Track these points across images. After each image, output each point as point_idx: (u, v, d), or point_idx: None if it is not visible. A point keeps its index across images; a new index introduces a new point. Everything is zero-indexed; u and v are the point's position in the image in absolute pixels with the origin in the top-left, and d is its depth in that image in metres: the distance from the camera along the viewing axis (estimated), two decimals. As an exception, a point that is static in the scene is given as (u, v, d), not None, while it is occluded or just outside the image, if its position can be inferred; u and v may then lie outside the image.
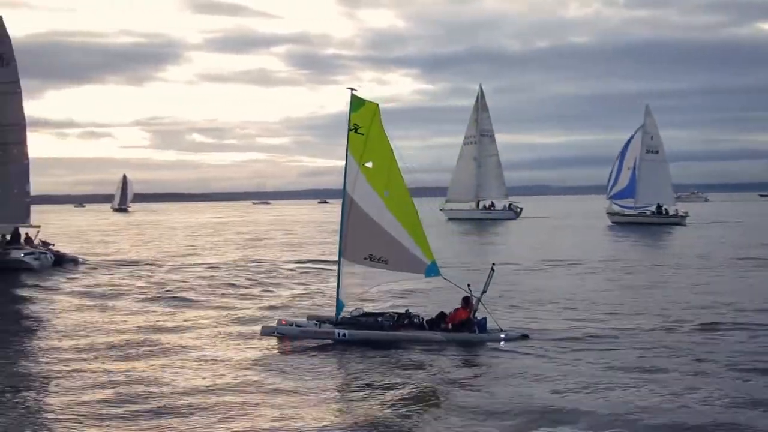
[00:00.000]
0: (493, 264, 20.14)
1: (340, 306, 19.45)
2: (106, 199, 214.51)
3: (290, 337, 18.93)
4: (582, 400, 13.83)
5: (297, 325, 19.39)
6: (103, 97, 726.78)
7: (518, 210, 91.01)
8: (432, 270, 19.41)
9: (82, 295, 29.81)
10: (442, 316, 19.39)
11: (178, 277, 35.10)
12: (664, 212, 74.99)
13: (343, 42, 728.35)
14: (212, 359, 17.44)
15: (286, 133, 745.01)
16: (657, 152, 75.80)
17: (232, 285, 32.05)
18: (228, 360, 17.53)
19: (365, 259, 19.50)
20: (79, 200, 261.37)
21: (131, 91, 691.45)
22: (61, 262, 40.07)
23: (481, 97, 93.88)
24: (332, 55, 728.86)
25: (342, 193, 19.76)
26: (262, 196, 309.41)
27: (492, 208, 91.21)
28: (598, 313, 23.23)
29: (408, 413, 13.42)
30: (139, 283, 33.00)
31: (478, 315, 19.10)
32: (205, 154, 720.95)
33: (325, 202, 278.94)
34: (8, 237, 40.09)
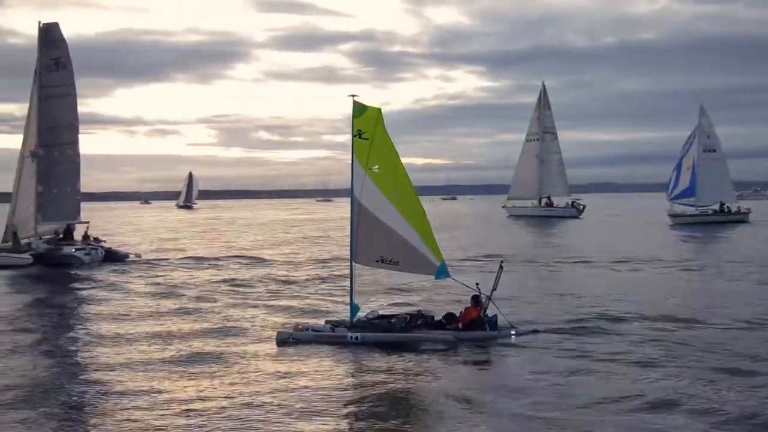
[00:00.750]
0: (502, 262, 20.36)
1: (354, 309, 19.68)
2: (173, 196, 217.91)
3: (305, 342, 19.18)
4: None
5: (313, 330, 19.57)
6: (171, 95, 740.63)
7: (581, 207, 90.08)
8: (442, 271, 19.51)
9: (123, 289, 31.05)
10: (451, 316, 19.65)
11: (221, 274, 35.78)
12: (726, 210, 73.97)
13: (408, 39, 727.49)
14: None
15: (350, 131, 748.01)
16: (714, 150, 74.58)
17: (284, 282, 32.12)
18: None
19: (377, 261, 19.77)
20: (146, 197, 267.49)
21: (198, 89, 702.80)
22: (112, 257, 41.39)
23: (543, 94, 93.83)
24: (398, 52, 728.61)
25: (351, 199, 19.88)
26: (327, 194, 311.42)
27: (551, 205, 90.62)
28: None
29: (417, 413, 13.85)
30: (184, 278, 33.96)
31: (489, 312, 19.34)
32: (270, 152, 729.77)
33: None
34: (62, 233, 41.60)
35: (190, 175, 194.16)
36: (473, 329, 19.05)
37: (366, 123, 19.43)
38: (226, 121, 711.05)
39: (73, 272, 36.83)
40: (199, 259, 42.90)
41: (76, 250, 40.32)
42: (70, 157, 42.08)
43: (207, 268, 38.45)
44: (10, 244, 41.10)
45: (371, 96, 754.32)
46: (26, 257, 39.25)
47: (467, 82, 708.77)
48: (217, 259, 43.07)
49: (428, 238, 19.31)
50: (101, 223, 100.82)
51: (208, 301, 27.17)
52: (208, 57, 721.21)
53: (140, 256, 42.81)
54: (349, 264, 20.30)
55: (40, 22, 42.30)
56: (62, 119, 41.75)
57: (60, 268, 38.03)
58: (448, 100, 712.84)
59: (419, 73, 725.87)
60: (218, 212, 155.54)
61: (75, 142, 42.23)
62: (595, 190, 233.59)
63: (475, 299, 19.48)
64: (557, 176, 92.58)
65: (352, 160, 19.66)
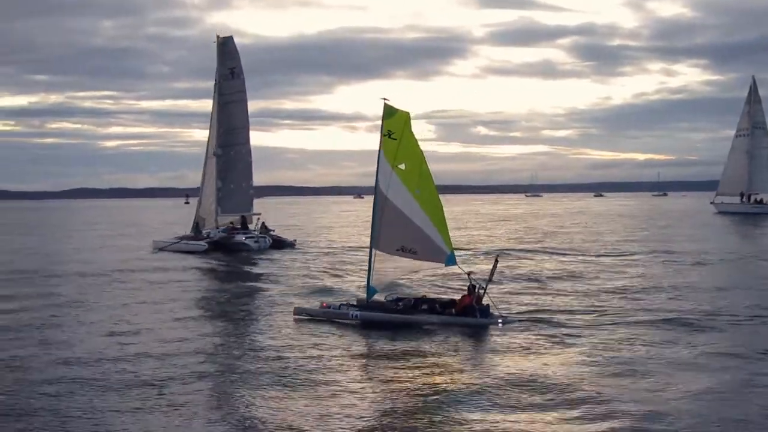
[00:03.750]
0: (497, 256, 22.01)
1: (370, 291, 21.52)
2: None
3: (316, 317, 21.67)
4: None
5: (333, 307, 21.83)
6: (391, 92, 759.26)
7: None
8: (451, 260, 21.05)
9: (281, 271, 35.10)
10: (452, 302, 21.24)
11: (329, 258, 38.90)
12: None
13: (629, 32, 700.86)
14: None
15: (571, 126, 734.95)
16: None
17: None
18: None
19: (398, 250, 21.33)
20: (360, 192, 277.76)
21: (418, 85, 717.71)
22: (279, 245, 46.32)
23: (753, 88, 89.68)
24: (618, 46, 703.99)
25: (375, 192, 21.62)
26: (539, 189, 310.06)
27: (761, 202, 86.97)
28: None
29: (396, 394, 14.60)
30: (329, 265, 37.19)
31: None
32: (489, 147, 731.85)
33: (600, 195, 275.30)
34: (236, 223, 47.14)
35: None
36: (466, 316, 20.47)
37: (395, 124, 21.04)
38: (446, 116, 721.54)
39: (241, 256, 42.00)
40: (335, 246, 47.23)
41: (246, 238, 45.44)
42: (244, 156, 47.49)
43: (325, 255, 42.09)
44: (192, 233, 47.23)
45: (592, 91, 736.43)
46: (202, 244, 44.72)
47: (690, 76, 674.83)
48: (341, 247, 46.86)
49: (443, 230, 20.98)
50: (291, 215, 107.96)
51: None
52: (426, 53, 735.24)
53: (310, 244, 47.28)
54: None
55: (218, 36, 48.02)
56: (236, 122, 47.24)
57: (232, 254, 43.28)
58: (670, 94, 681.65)
59: (640, 67, 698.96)
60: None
61: (246, 142, 47.58)
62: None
63: (471, 288, 20.87)
64: (767, 172, 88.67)
65: (379, 157, 21.30)
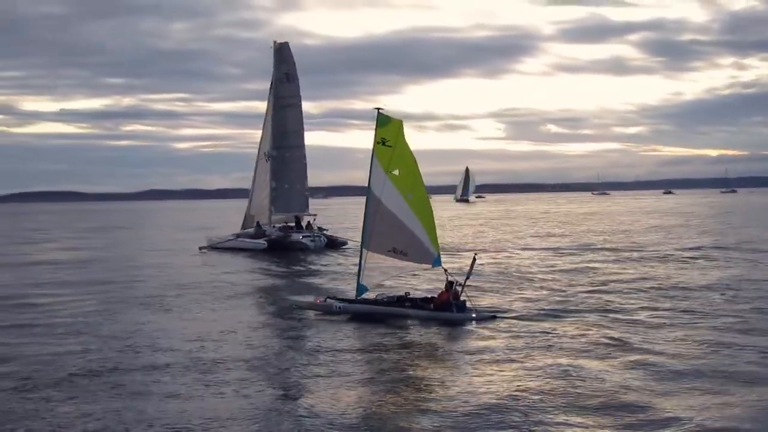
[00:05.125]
0: (475, 254, 23.07)
1: (360, 289, 22.80)
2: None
3: (306, 309, 23.49)
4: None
5: (337, 300, 23.28)
6: (460, 91, 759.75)
7: None
8: (437, 261, 22.31)
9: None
10: (431, 298, 22.33)
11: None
12: None
13: (699, 27, 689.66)
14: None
15: (642, 122, 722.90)
16: None
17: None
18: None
19: (389, 251, 22.51)
20: (427, 191, 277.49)
21: (487, 83, 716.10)
22: (333, 244, 47.73)
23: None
24: (689, 41, 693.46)
25: (367, 195, 22.83)
26: (611, 186, 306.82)
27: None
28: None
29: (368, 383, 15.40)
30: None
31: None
32: (559, 145, 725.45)
33: (670, 192, 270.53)
34: (291, 223, 48.90)
35: (467, 170, 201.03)
36: (443, 311, 21.54)
37: (389, 132, 22.22)
38: (515, 114, 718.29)
39: (299, 255, 43.44)
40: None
41: (303, 237, 46.93)
42: (299, 158, 49.09)
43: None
44: (252, 230, 48.89)
45: (662, 87, 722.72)
46: (262, 242, 46.39)
47: (763, 70, 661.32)
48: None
49: (432, 233, 22.23)
50: (355, 216, 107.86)
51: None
52: (495, 52, 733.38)
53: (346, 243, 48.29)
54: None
55: (275, 42, 49.92)
56: (291, 125, 48.85)
57: (289, 252, 44.83)
58: (742, 88, 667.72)
59: (711, 61, 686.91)
60: (493, 206, 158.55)
61: (301, 146, 49.16)
62: None
63: (449, 285, 21.90)
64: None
65: (372, 163, 22.48)
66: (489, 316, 21.65)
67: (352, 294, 23.84)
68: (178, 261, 42.44)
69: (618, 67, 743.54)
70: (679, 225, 65.78)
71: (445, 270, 22.23)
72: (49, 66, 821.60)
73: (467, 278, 22.09)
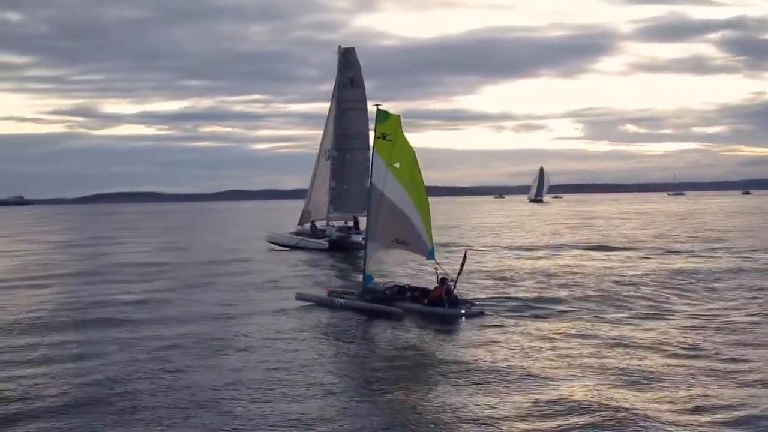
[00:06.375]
0: (466, 251, 24.02)
1: (367, 280, 23.90)
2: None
3: (310, 301, 24.53)
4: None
5: (349, 293, 24.54)
6: (538, 90, 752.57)
7: None
8: (431, 254, 23.09)
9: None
10: (427, 292, 23.34)
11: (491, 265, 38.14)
12: None
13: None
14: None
15: (722, 122, 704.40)
16: None
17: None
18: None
19: (393, 242, 23.73)
20: (503, 191, 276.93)
21: (564, 83, 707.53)
22: (394, 245, 48.45)
23: None
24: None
25: (370, 189, 23.96)
26: (688, 187, 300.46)
27: None
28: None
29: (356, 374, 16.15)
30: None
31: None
32: (638, 145, 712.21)
33: (748, 193, 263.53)
34: (350, 223, 50.13)
35: (541, 169, 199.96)
36: (436, 306, 22.53)
37: (389, 127, 23.24)
38: (593, 114, 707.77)
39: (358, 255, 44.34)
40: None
41: (362, 238, 47.75)
42: (361, 161, 49.94)
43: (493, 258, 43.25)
44: (309, 229, 50.42)
45: (743, 86, 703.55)
46: (323, 243, 47.65)
47: None
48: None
49: (428, 225, 23.05)
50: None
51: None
52: (573, 51, 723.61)
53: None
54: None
55: (339, 47, 51.14)
56: (354, 128, 49.90)
57: (349, 252, 45.88)
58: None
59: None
60: (567, 206, 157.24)
61: (365, 148, 50.00)
62: None
63: (442, 281, 22.81)
64: None
65: (372, 157, 23.64)
66: (478, 312, 22.55)
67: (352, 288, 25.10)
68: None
69: (698, 66, 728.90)
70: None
71: (436, 267, 23.14)
72: (130, 69, 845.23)
73: (459, 275, 23.07)
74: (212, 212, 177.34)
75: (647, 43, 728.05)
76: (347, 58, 50.63)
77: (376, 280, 24.58)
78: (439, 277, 23.03)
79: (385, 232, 23.70)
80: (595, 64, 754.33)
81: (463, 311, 22.31)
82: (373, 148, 23.66)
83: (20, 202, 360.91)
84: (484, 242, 54.28)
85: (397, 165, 23.16)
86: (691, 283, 29.14)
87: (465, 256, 23.29)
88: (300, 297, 25.20)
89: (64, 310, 24.46)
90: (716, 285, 28.42)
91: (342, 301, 23.99)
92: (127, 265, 40.44)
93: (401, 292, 23.79)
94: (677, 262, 36.78)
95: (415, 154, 23.16)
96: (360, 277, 25.41)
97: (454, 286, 22.90)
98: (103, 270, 38.53)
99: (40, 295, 28.76)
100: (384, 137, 23.31)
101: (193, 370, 16.05)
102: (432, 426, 12.48)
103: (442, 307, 22.44)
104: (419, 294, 23.51)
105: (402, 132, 23.18)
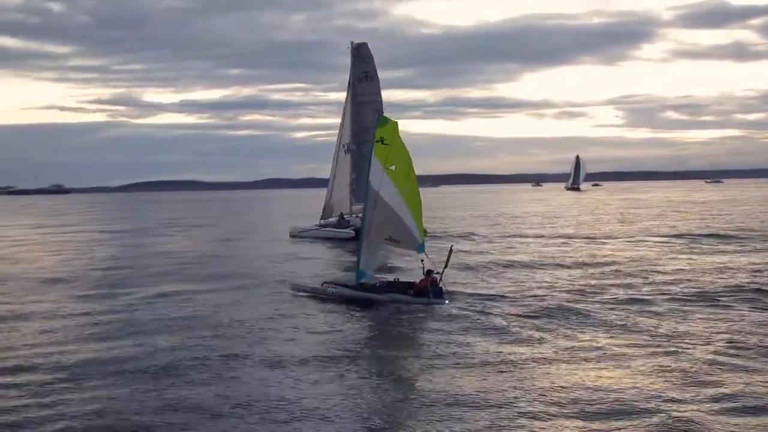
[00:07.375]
0: (452, 245, 25.42)
1: (360, 274, 25.22)
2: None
3: (304, 292, 26.00)
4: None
5: (341, 285, 25.84)
6: (578, 78, 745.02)
7: None
8: (421, 248, 24.56)
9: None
10: (413, 284, 24.64)
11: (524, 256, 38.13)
12: None
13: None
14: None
15: (764, 108, 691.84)
16: None
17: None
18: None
19: (386, 239, 25.17)
20: (543, 179, 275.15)
21: (605, 70, 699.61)
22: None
23: None
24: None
25: (367, 189, 25.05)
26: (726, 174, 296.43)
27: None
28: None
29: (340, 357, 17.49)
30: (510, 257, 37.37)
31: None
32: (678, 132, 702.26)
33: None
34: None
35: (577, 158, 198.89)
36: (421, 296, 23.85)
37: (387, 132, 24.43)
38: (633, 101, 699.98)
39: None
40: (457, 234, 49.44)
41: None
42: (373, 152, 51.04)
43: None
44: (335, 220, 51.97)
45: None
46: (349, 232, 48.98)
47: None
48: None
49: (420, 222, 24.51)
50: (452, 206, 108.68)
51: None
52: (613, 38, 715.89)
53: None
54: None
55: (352, 42, 52.53)
56: (369, 121, 50.63)
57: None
58: None
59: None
60: (602, 194, 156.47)
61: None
62: None
63: (428, 273, 24.13)
64: None
65: (371, 160, 24.74)
66: (461, 300, 24.04)
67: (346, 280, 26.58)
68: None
69: (739, 52, 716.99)
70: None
71: (422, 259, 24.48)
72: (171, 59, 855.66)
73: (445, 267, 24.35)
74: (264, 200, 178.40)
75: (688, 30, 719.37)
76: (360, 53, 51.91)
77: (375, 276, 25.99)
78: (425, 269, 24.26)
79: (380, 230, 24.91)
80: (636, 51, 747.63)
81: (446, 302, 23.58)
82: (372, 151, 24.82)
83: (59, 190, 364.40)
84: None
85: (392, 167, 24.35)
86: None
87: (451, 250, 24.72)
88: (294, 288, 26.85)
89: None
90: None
91: (333, 290, 25.37)
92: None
93: (390, 285, 25.12)
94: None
95: (410, 157, 24.54)
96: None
97: (440, 278, 24.16)
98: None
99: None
100: (382, 141, 24.46)
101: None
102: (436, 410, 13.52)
103: (427, 297, 23.75)
104: (406, 286, 24.78)
105: (399, 136, 24.39)
